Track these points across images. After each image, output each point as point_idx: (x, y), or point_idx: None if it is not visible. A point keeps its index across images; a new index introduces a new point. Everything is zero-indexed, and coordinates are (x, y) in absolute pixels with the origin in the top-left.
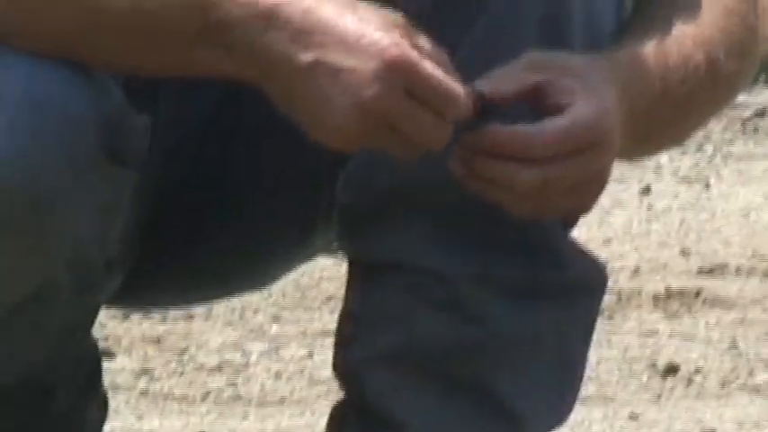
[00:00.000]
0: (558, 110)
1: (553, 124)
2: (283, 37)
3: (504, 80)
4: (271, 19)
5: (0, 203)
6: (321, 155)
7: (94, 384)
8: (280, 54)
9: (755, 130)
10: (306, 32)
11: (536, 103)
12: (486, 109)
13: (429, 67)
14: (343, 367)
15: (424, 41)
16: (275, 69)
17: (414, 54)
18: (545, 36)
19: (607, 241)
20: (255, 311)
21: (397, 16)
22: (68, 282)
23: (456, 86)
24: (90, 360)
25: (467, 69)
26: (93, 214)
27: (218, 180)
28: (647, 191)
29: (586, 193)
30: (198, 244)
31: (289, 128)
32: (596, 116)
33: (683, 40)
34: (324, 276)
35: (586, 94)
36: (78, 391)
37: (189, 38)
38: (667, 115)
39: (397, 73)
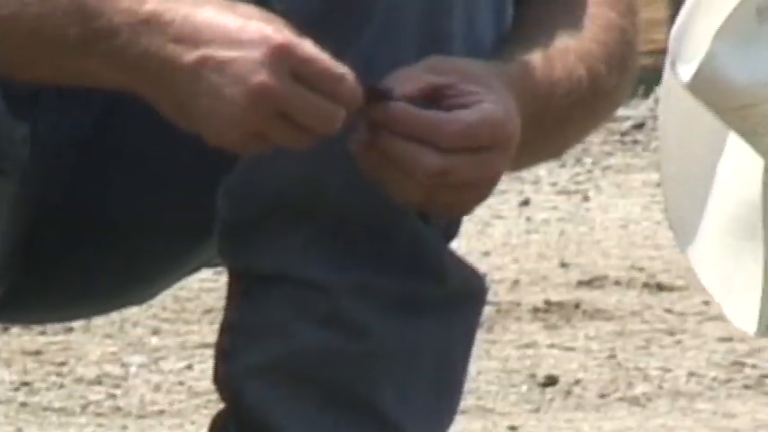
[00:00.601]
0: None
1: (465, 115)
2: (166, 40)
3: (405, 80)
4: (151, 23)
5: None
6: (206, 165)
7: None
8: (164, 57)
9: (634, 142)
10: (188, 33)
11: (437, 105)
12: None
13: (314, 50)
14: (222, 378)
15: (306, 39)
16: (161, 74)
17: (297, 39)
18: (426, 45)
19: (486, 253)
20: (135, 324)
21: (276, 15)
22: None
23: (343, 68)
24: None
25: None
26: None
27: (101, 193)
28: (525, 203)
29: (475, 192)
30: (79, 258)
31: (173, 139)
32: (504, 118)
33: (567, 53)
34: (203, 288)
35: (492, 98)
36: None
37: (71, 46)
38: (550, 127)
39: (282, 57)
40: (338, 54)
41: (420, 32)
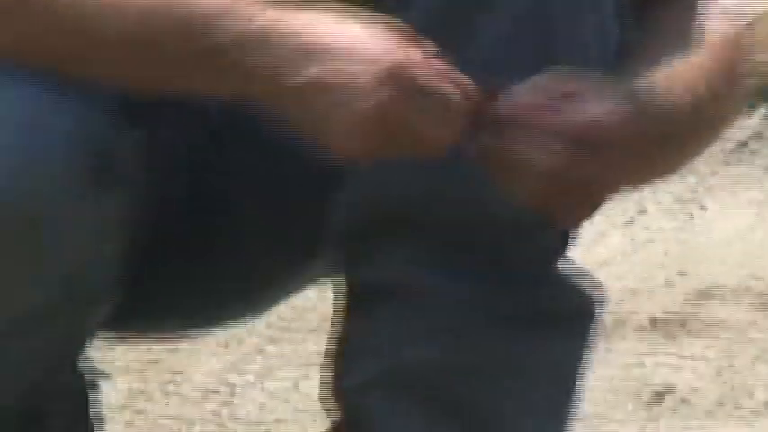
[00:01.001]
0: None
1: (591, 107)
2: (282, 55)
3: (526, 88)
4: (267, 38)
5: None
6: (316, 180)
7: (82, 416)
8: (281, 73)
9: (739, 161)
10: (305, 47)
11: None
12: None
13: (434, 62)
14: (335, 394)
15: (428, 46)
16: (278, 88)
17: (418, 51)
18: (536, 61)
19: (599, 265)
20: (240, 341)
21: (398, 22)
22: (62, 302)
23: (462, 78)
24: (79, 390)
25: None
26: (86, 234)
27: (213, 209)
28: (630, 222)
29: (596, 194)
30: (195, 269)
31: (289, 150)
32: (630, 116)
33: (690, 69)
34: (306, 307)
35: (617, 100)
36: (66, 422)
37: (183, 63)
38: (671, 145)
39: (404, 73)
40: (458, 53)
41: (530, 48)
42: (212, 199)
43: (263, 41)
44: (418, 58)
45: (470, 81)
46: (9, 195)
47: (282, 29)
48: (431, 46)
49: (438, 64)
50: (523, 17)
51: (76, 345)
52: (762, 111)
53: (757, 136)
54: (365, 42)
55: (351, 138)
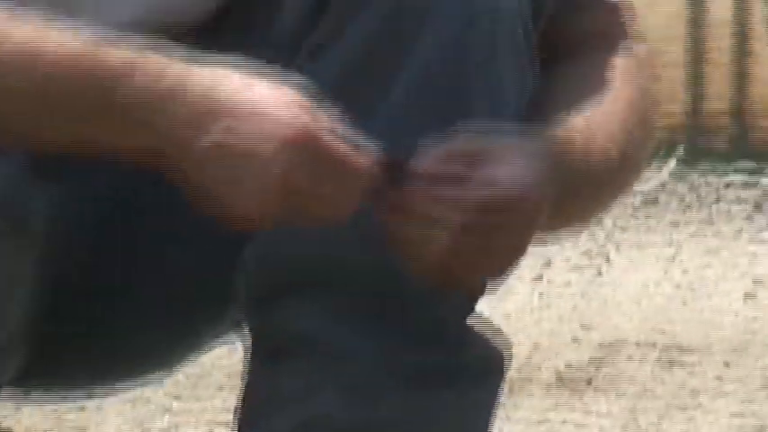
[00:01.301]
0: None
1: (492, 172)
2: (188, 114)
3: (428, 155)
4: (173, 96)
5: None
6: (224, 240)
7: None
8: (186, 133)
9: (647, 216)
10: (210, 108)
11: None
12: (402, 177)
13: (333, 138)
14: (245, 425)
15: (327, 115)
16: (182, 148)
17: (317, 127)
18: (450, 111)
19: (506, 316)
20: (147, 401)
21: (298, 90)
22: None
23: (367, 144)
24: None
25: (380, 138)
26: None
27: (125, 261)
28: (539, 278)
29: (500, 259)
30: (102, 325)
31: (189, 213)
32: (533, 180)
33: (602, 122)
34: (215, 365)
35: (522, 162)
36: None
37: (89, 118)
38: (585, 196)
39: (304, 143)
40: (360, 121)
41: (444, 98)
42: (120, 257)
43: (169, 100)
44: (323, 124)
45: (376, 147)
46: None
47: (189, 87)
48: (337, 110)
49: (343, 129)
50: (439, 70)
51: None
52: (671, 165)
53: (666, 190)
54: (271, 105)
55: (251, 202)
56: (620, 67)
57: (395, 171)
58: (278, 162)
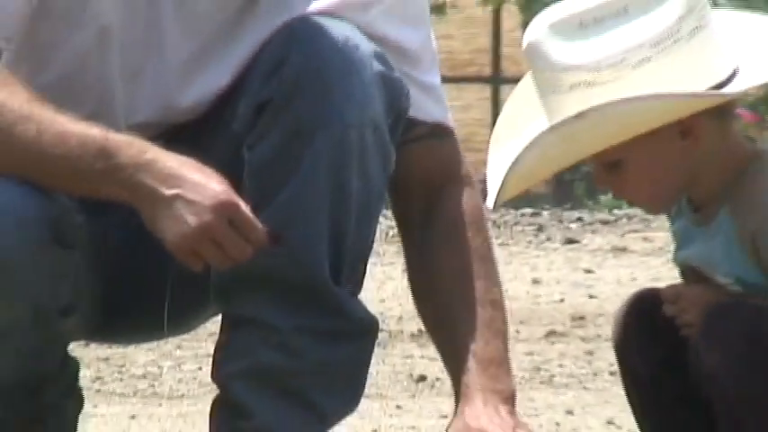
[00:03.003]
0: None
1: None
2: (155, 178)
3: None
4: (147, 166)
5: None
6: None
7: (73, 384)
8: (152, 189)
9: None
10: (167, 177)
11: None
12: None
13: (245, 209)
14: (216, 378)
15: (242, 196)
16: (147, 198)
17: (237, 198)
18: (334, 209)
19: (382, 301)
20: (167, 342)
21: (224, 179)
22: (30, 321)
23: (259, 224)
24: (71, 366)
25: (272, 221)
26: (47, 277)
27: (158, 258)
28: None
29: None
30: (142, 306)
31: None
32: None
33: (486, 294)
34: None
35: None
36: (59, 392)
37: (96, 176)
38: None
39: (224, 208)
40: (259, 207)
41: (329, 188)
42: (139, 262)
43: (150, 165)
44: (235, 203)
45: (264, 225)
46: None
47: (162, 160)
48: (243, 197)
49: (247, 208)
50: (325, 170)
51: (55, 343)
52: None
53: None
54: (210, 181)
55: (180, 242)
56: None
57: (273, 237)
58: (204, 218)
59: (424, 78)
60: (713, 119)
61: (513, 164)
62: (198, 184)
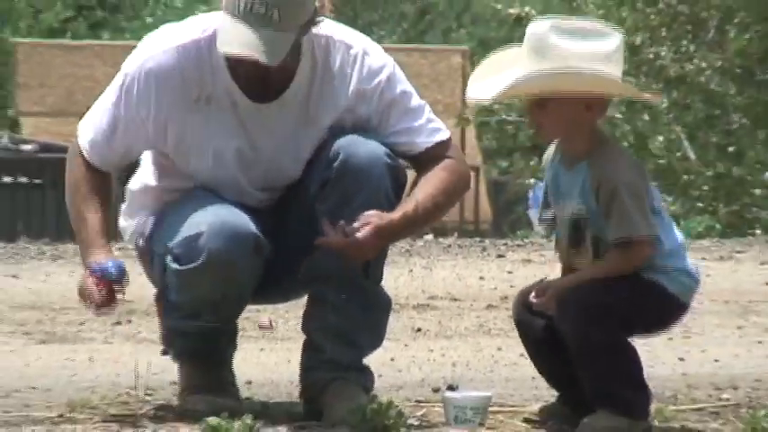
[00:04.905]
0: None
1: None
2: (88, 256)
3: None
4: (91, 250)
5: (218, 267)
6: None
7: (234, 337)
8: (84, 254)
9: None
10: (92, 254)
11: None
12: None
13: (94, 291)
14: (305, 329)
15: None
16: (84, 258)
17: (91, 285)
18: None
19: (395, 288)
20: (276, 308)
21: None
22: (235, 299)
23: (97, 294)
24: (234, 327)
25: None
26: (251, 270)
27: (281, 262)
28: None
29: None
30: (277, 281)
31: (295, 250)
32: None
33: (431, 191)
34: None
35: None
36: (230, 336)
37: (78, 240)
38: (420, 223)
39: (83, 290)
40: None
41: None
42: (276, 259)
43: (90, 249)
44: (91, 287)
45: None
46: (223, 255)
47: (94, 252)
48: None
49: (104, 283)
50: (373, 203)
51: (243, 307)
52: None
53: None
54: (94, 267)
55: (79, 291)
56: (442, 166)
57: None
58: (86, 277)
59: (415, 123)
60: (602, 109)
61: (499, 78)
62: (91, 265)
